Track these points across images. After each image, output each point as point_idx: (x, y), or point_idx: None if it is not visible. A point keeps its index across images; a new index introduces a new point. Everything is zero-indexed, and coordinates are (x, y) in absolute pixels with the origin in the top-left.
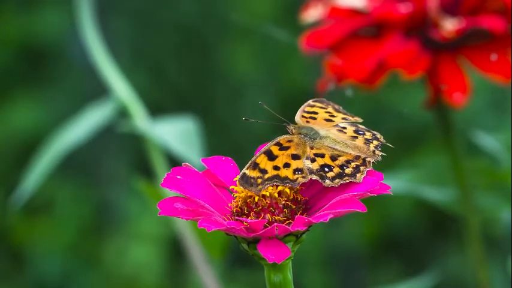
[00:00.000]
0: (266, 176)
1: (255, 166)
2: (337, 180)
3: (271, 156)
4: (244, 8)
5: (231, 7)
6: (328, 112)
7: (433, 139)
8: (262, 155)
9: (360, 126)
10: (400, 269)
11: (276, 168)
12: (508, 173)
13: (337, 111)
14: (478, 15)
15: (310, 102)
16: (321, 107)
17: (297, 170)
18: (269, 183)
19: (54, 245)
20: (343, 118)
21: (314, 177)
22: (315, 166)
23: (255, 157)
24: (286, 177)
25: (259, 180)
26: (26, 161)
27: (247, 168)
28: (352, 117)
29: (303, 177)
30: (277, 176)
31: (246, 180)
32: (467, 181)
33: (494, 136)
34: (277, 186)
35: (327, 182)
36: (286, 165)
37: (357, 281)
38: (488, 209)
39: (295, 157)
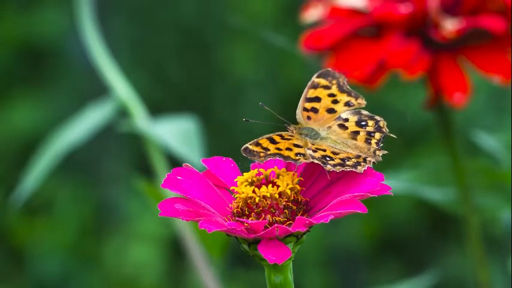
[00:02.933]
0: (269, 152)
1: (258, 144)
2: (338, 167)
3: (273, 141)
4: (244, 8)
5: (231, 7)
6: (332, 95)
7: (433, 139)
8: (265, 139)
9: (363, 113)
10: (400, 269)
11: (278, 149)
12: (508, 173)
13: (342, 91)
14: (478, 16)
15: (314, 79)
16: (325, 87)
17: (299, 154)
18: (271, 157)
19: (54, 245)
20: (346, 102)
21: (316, 161)
22: (317, 154)
23: (257, 139)
24: (288, 156)
25: (262, 154)
26: (26, 161)
27: (250, 144)
28: (356, 98)
29: (305, 158)
30: (279, 154)
31: (249, 152)
32: (467, 181)
33: (494, 136)
34: (277, 187)
35: (328, 166)
36: (289, 149)
37: (357, 281)
38: (488, 209)
39: (297, 146)
